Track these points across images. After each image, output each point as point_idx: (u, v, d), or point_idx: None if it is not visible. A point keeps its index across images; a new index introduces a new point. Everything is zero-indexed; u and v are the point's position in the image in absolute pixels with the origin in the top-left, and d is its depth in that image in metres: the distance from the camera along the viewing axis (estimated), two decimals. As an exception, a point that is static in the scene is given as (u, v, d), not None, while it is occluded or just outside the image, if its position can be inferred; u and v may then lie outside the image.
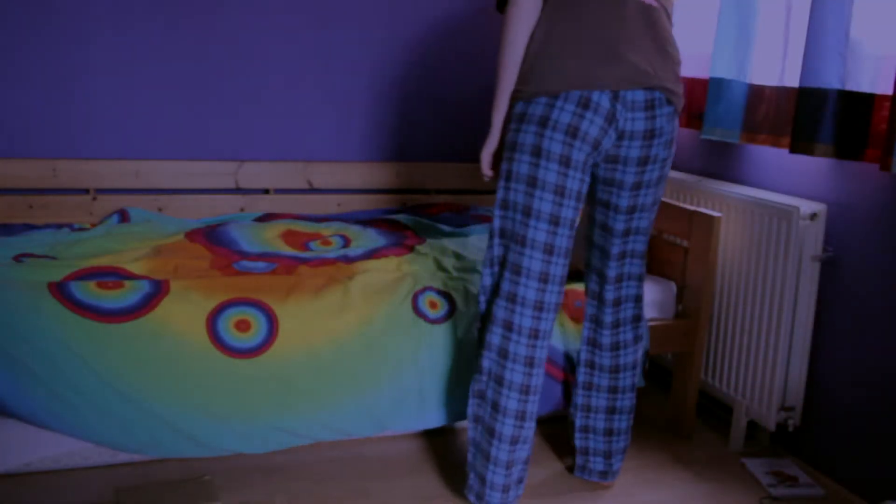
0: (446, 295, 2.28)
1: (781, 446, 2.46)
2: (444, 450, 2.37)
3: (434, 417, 2.25)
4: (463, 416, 2.26)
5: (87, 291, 2.03)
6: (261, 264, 2.36)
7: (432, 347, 2.22)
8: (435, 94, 3.25)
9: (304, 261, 2.43)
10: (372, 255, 2.53)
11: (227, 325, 2.08)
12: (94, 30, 2.77)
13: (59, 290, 2.01)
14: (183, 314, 2.05)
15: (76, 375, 1.95)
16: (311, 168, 3.08)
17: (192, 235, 2.59)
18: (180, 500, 1.99)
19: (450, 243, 2.68)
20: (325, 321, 2.14)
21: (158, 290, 2.08)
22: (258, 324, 2.09)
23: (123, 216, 2.73)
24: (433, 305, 2.26)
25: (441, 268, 2.45)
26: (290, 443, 2.14)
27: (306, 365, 2.11)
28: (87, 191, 2.84)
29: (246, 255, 2.44)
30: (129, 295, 2.05)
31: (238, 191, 3.02)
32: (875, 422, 2.16)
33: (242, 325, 2.08)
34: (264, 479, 2.16)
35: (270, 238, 2.64)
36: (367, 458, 2.30)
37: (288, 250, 2.54)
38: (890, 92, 2.02)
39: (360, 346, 2.16)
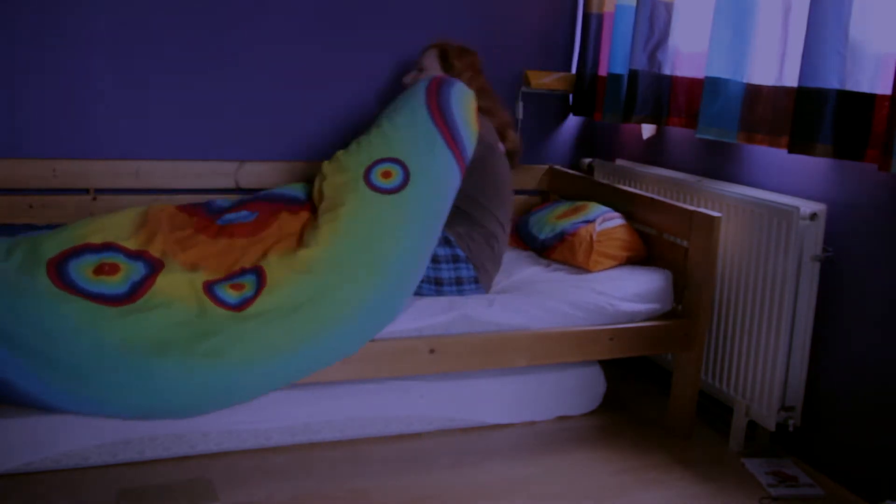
0: (395, 161, 2.39)
1: (781, 446, 2.46)
2: (443, 449, 2.37)
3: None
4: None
5: (86, 278, 2.06)
6: (243, 213, 2.46)
7: (395, 214, 2.29)
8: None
9: (280, 199, 2.53)
10: None
11: (223, 289, 2.14)
12: (94, 30, 2.77)
13: (59, 276, 2.03)
14: (179, 287, 2.11)
15: (81, 350, 1.93)
16: (311, 168, 3.08)
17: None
18: (180, 500, 1.99)
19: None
20: (303, 257, 2.22)
21: (153, 270, 2.14)
22: (250, 283, 2.17)
23: None
24: (387, 176, 2.35)
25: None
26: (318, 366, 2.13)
27: (295, 289, 2.14)
28: (87, 191, 2.84)
29: (225, 209, 2.52)
30: (126, 279, 2.10)
31: (238, 191, 3.02)
32: (875, 422, 2.15)
33: (237, 287, 2.15)
34: (264, 479, 2.16)
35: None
36: (366, 458, 2.30)
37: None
38: (890, 92, 2.02)
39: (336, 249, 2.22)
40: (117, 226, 2.31)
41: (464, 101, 2.59)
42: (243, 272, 2.21)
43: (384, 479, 2.19)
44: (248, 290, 2.14)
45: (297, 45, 3.02)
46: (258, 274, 2.19)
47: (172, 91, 2.90)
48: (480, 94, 2.76)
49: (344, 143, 3.15)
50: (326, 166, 2.54)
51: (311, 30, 3.03)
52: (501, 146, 2.77)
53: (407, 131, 2.51)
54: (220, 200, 2.64)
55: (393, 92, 3.18)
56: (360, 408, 2.38)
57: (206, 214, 2.50)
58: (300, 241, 2.33)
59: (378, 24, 3.11)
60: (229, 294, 2.13)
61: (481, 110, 2.72)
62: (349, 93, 3.12)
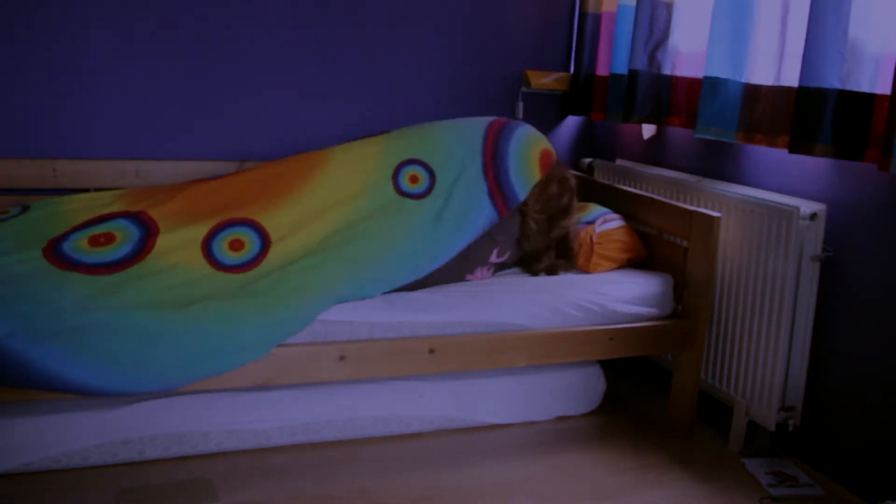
0: (425, 166, 2.43)
1: (781, 446, 2.46)
2: (443, 449, 2.37)
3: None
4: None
5: (81, 250, 2.12)
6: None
7: (418, 220, 2.34)
8: (433, 95, 3.25)
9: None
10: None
11: (221, 247, 2.21)
12: (94, 30, 2.77)
13: (55, 255, 2.09)
14: (178, 250, 2.17)
15: (91, 321, 1.93)
16: (311, 168, 3.08)
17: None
18: (180, 500, 1.99)
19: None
20: (312, 221, 2.29)
21: (148, 232, 2.21)
22: (251, 242, 2.24)
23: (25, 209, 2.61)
24: (414, 180, 2.39)
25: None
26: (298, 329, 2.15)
27: (302, 266, 2.20)
28: (87, 191, 2.84)
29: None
30: (122, 246, 2.16)
31: (238, 191, 3.02)
32: (875, 422, 2.15)
33: (236, 245, 2.22)
34: (264, 479, 2.16)
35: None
36: (366, 458, 2.30)
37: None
38: (889, 91, 2.02)
39: (350, 233, 2.28)
40: (99, 201, 2.38)
41: (523, 145, 2.59)
42: (239, 223, 2.27)
43: (384, 479, 2.19)
44: (248, 252, 2.21)
45: (296, 44, 3.02)
46: (259, 233, 2.24)
47: (172, 90, 2.90)
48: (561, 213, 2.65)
49: (344, 141, 3.14)
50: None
51: (310, 29, 3.03)
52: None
53: (452, 147, 2.55)
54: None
55: (392, 91, 3.18)
56: (360, 408, 2.38)
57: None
58: (298, 186, 2.39)
59: (378, 23, 3.11)
60: (228, 256, 2.20)
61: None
62: (348, 92, 3.12)
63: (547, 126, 3.45)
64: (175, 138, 2.94)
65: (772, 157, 2.51)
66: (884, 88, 2.05)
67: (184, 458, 2.22)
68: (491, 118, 2.74)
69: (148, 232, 2.22)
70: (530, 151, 2.60)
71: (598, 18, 3.20)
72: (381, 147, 2.56)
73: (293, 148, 3.09)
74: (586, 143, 3.53)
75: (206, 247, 2.20)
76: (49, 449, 2.09)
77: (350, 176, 2.46)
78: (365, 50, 3.11)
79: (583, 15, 3.24)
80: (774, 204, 2.31)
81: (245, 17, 2.94)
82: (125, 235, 2.21)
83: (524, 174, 2.56)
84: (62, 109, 2.79)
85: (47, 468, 2.10)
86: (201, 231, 2.24)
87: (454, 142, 2.60)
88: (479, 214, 2.48)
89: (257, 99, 3.01)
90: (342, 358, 2.16)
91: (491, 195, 2.48)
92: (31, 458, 2.08)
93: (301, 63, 3.04)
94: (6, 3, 2.66)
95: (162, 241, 2.21)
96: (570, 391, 2.61)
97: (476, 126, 2.68)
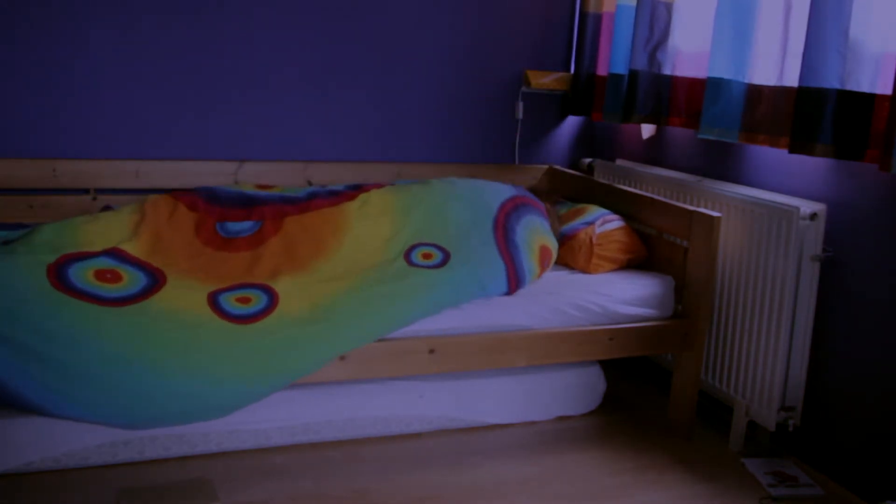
0: (439, 247, 2.45)
1: (781, 446, 2.46)
2: (443, 449, 2.37)
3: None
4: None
5: (86, 281, 2.07)
6: (247, 224, 2.45)
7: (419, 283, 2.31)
8: (432, 95, 3.25)
9: (287, 201, 2.55)
10: (340, 194, 2.64)
11: (228, 300, 2.15)
12: (95, 30, 2.77)
13: (58, 279, 2.03)
14: (183, 298, 2.12)
15: (80, 354, 1.92)
16: (310, 168, 3.08)
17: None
18: (180, 500, 1.99)
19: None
20: (323, 286, 2.27)
21: (156, 282, 2.15)
22: (258, 298, 2.18)
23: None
24: (427, 257, 2.41)
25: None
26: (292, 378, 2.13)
27: (308, 318, 2.15)
28: (87, 191, 2.84)
29: (224, 204, 2.50)
30: (127, 287, 2.10)
31: (238, 191, 3.02)
32: (875, 422, 2.15)
33: (243, 300, 2.16)
34: (264, 479, 2.16)
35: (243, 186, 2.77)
36: (366, 458, 2.30)
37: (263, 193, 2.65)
38: (889, 92, 2.02)
39: (357, 300, 2.23)
40: (115, 228, 2.31)
41: (529, 230, 2.59)
42: (250, 286, 2.22)
43: (384, 479, 2.19)
44: (255, 305, 2.15)
45: (296, 44, 3.02)
46: (268, 293, 2.20)
47: (172, 90, 2.90)
48: None
49: (340, 144, 3.15)
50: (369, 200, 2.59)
51: (310, 29, 3.03)
52: None
53: (467, 234, 2.53)
54: (220, 189, 2.65)
55: (392, 90, 3.18)
56: (360, 408, 2.38)
57: (206, 210, 2.47)
58: (312, 258, 2.37)
59: (378, 23, 3.11)
60: (234, 305, 2.13)
61: None
62: (348, 92, 3.12)
63: (547, 126, 3.46)
64: (175, 138, 2.94)
65: (772, 156, 2.51)
66: (884, 88, 2.05)
67: (184, 458, 2.22)
68: (501, 198, 2.71)
69: (155, 281, 2.18)
70: (533, 236, 2.59)
71: (598, 18, 3.20)
72: (395, 226, 2.54)
73: (293, 148, 3.09)
74: (586, 143, 3.53)
75: (213, 298, 2.15)
76: (49, 449, 2.09)
77: (363, 252, 2.45)
78: (365, 49, 3.11)
79: (583, 15, 3.24)
80: (774, 204, 2.31)
81: (245, 17, 2.94)
82: (132, 279, 2.16)
83: (532, 266, 2.52)
84: (62, 109, 2.79)
85: (48, 468, 2.10)
86: (210, 287, 2.20)
87: (466, 222, 2.59)
88: (494, 284, 2.43)
89: (257, 99, 3.01)
90: (343, 358, 2.16)
91: (506, 273, 2.45)
92: (32, 457, 2.08)
93: (302, 63, 3.04)
94: (6, 3, 2.66)
95: (168, 288, 2.16)
96: (570, 391, 2.61)
97: (488, 204, 2.67)
